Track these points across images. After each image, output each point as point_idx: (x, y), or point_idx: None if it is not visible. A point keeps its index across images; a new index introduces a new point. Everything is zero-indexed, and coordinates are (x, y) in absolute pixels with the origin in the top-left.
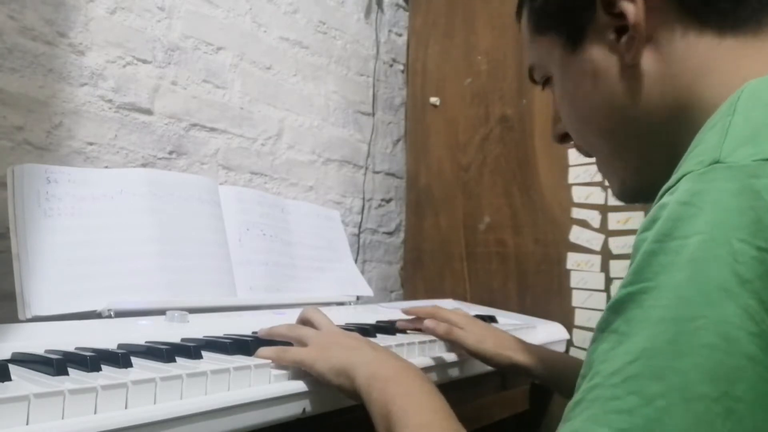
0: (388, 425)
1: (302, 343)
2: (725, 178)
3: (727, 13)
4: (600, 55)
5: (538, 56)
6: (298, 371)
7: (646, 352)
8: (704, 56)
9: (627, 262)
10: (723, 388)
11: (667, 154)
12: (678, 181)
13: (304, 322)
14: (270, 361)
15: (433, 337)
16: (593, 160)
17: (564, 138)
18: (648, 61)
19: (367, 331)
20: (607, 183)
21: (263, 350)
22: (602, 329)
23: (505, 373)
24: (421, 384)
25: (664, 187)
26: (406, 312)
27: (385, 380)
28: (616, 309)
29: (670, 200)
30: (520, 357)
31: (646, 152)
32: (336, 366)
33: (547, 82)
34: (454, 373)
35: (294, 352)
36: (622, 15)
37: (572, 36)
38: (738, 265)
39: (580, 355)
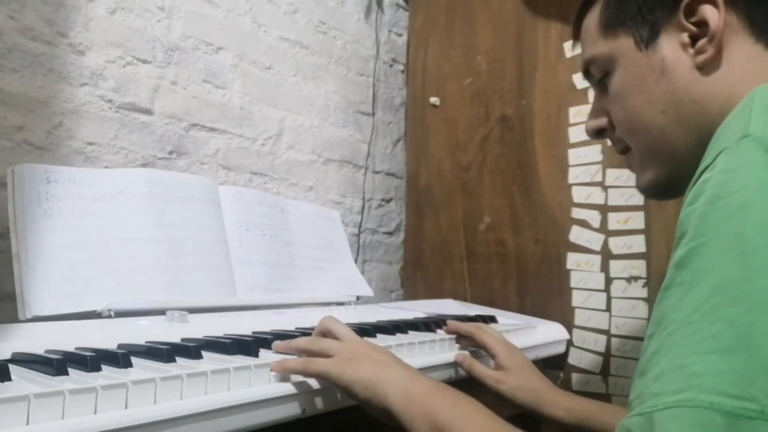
0: None
1: (326, 356)
2: (755, 146)
3: None
4: (672, 54)
5: (603, 50)
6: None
7: (719, 288)
8: (759, 69)
9: (627, 262)
10: None
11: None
12: (715, 158)
13: (323, 332)
14: (288, 370)
15: (433, 337)
16: (593, 160)
17: (600, 133)
18: (714, 65)
19: (367, 331)
20: (633, 176)
21: (289, 362)
22: (667, 287)
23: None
24: (460, 396)
25: (701, 168)
26: (448, 329)
27: (425, 395)
28: (680, 264)
29: (712, 174)
30: (538, 403)
31: (691, 148)
32: (364, 380)
33: (604, 77)
34: (454, 373)
35: (320, 363)
36: (700, 22)
37: (647, 33)
38: None
39: (580, 354)
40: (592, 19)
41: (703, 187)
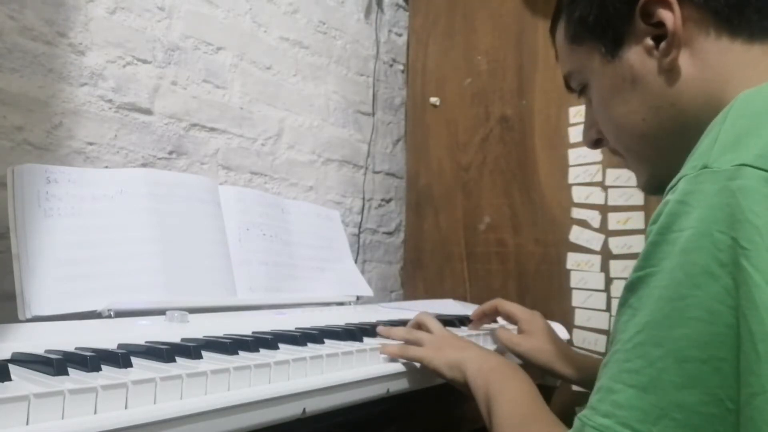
0: (488, 402)
1: (419, 344)
2: (710, 180)
3: (756, 23)
4: (638, 61)
5: (575, 65)
6: (297, 372)
7: (648, 324)
8: (734, 62)
9: (627, 262)
10: (710, 352)
11: (690, 150)
12: (677, 182)
13: (418, 325)
14: (387, 354)
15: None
16: (593, 160)
17: (597, 143)
18: (684, 65)
19: (368, 331)
20: (633, 176)
21: (390, 347)
22: (622, 304)
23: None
24: (515, 373)
25: (669, 186)
26: (474, 315)
27: (488, 370)
28: (631, 288)
29: (671, 198)
30: (552, 363)
31: (676, 149)
32: (450, 362)
33: (583, 89)
34: None
35: (414, 350)
36: (659, 23)
37: (610, 44)
38: (718, 252)
39: None
40: (561, 34)
41: (663, 209)
